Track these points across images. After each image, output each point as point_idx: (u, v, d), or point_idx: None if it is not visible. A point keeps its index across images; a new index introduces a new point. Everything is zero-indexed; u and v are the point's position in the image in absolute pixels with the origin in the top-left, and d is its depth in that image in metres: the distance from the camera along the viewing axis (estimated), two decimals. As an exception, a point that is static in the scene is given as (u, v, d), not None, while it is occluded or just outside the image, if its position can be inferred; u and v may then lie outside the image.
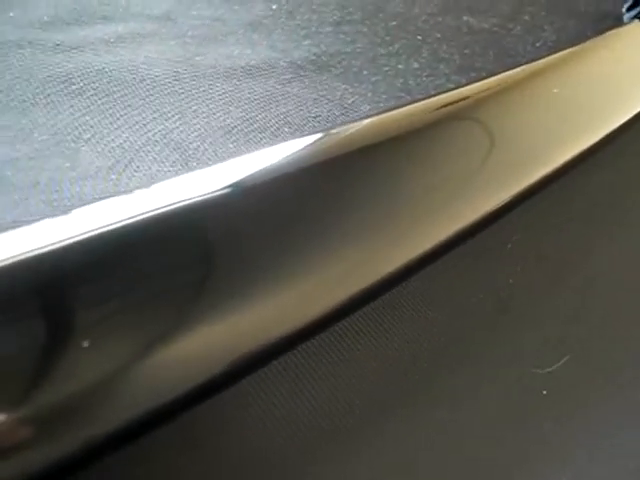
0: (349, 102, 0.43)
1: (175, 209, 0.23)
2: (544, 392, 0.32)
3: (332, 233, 0.24)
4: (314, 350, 0.27)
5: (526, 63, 0.48)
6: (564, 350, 0.34)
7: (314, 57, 0.47)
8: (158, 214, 0.22)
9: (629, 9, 0.62)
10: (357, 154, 0.29)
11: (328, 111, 0.42)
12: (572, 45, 0.51)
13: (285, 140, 0.38)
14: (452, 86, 0.49)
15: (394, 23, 0.54)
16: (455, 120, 0.34)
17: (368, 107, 0.43)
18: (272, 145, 0.33)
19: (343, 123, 0.38)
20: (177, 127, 0.37)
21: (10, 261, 0.19)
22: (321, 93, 0.44)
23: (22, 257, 0.19)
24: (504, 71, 0.44)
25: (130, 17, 0.44)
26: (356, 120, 0.33)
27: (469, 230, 0.29)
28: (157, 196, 0.24)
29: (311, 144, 0.29)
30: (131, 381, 0.19)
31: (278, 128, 0.39)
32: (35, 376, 0.18)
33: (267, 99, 0.41)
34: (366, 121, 0.33)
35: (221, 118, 0.39)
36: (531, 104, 0.38)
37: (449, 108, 0.36)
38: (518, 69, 0.44)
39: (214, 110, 0.39)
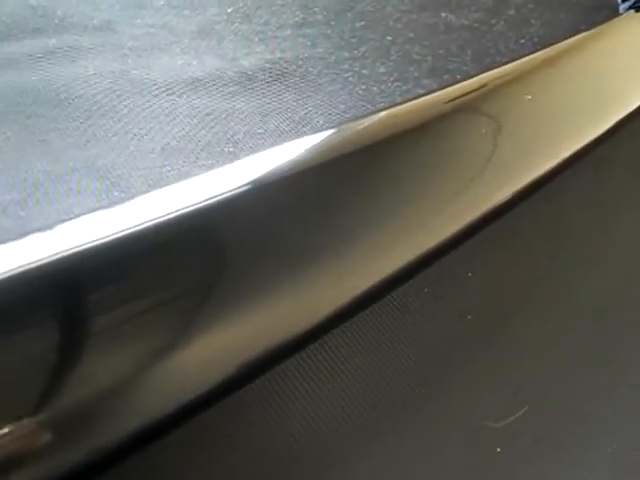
0: (300, 115, 0.40)
1: (180, 215, 0.22)
2: (498, 449, 0.28)
3: (338, 236, 0.24)
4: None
5: (506, 63, 0.44)
6: (523, 399, 0.30)
7: (267, 65, 0.43)
8: (163, 221, 0.22)
9: (624, 0, 0.58)
10: (360, 154, 0.29)
11: (276, 127, 0.38)
12: (561, 39, 0.47)
13: (226, 161, 0.34)
14: (421, 92, 0.45)
15: (362, 23, 0.50)
16: (456, 115, 0.34)
17: (322, 120, 0.40)
18: (210, 167, 0.30)
19: (292, 139, 0.35)
20: (105, 152, 0.34)
21: (14, 271, 0.19)
22: (270, 106, 0.40)
23: (29, 266, 0.19)
24: (488, 69, 0.41)
25: (65, 29, 0.41)
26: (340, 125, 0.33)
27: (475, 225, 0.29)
28: (161, 202, 0.24)
29: (313, 145, 0.29)
30: (148, 385, 0.19)
31: (219, 147, 0.36)
32: (46, 383, 0.18)
33: (209, 115, 0.38)
34: (357, 126, 0.32)
35: (156, 139, 0.36)
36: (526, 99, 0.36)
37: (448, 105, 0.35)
38: (511, 64, 0.41)
39: (148, 130, 0.36)
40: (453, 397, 0.29)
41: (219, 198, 0.23)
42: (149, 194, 0.24)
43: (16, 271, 0.19)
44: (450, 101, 0.36)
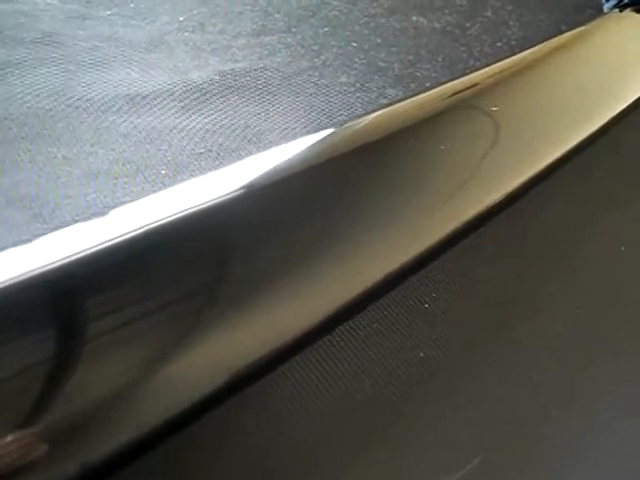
0: (253, 132, 0.37)
1: (177, 219, 0.22)
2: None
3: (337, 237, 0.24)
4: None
5: (479, 69, 0.41)
6: (477, 448, 0.27)
7: (219, 78, 0.40)
8: (158, 225, 0.22)
9: None
10: (357, 155, 0.28)
11: (220, 145, 0.36)
12: (541, 41, 0.44)
13: (160, 185, 0.32)
14: (385, 102, 0.42)
15: (326, 29, 0.48)
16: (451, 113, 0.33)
17: (275, 136, 0.37)
18: (141, 193, 0.28)
19: (236, 159, 0.32)
20: (29, 178, 0.32)
21: (9, 281, 0.19)
22: (219, 123, 0.37)
23: (22, 276, 0.19)
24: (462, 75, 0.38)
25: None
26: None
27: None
28: (154, 208, 0.23)
29: (308, 147, 0.29)
30: (152, 388, 0.19)
31: (153, 170, 0.33)
32: (42, 393, 0.18)
33: (148, 135, 0.35)
34: (354, 125, 0.32)
35: (86, 163, 0.33)
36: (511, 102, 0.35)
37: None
38: (492, 66, 0.39)
39: (79, 154, 0.33)
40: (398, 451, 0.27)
41: (216, 201, 0.23)
42: (144, 199, 0.24)
43: (10, 281, 0.19)
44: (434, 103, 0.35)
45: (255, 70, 0.42)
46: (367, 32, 0.48)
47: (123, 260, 0.21)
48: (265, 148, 0.36)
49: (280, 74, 0.42)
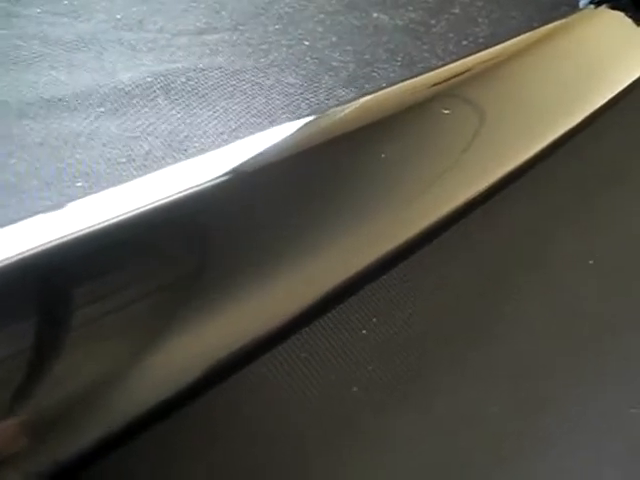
0: (180, 138, 0.34)
1: (157, 206, 0.22)
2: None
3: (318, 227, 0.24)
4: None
5: (440, 67, 0.38)
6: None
7: (152, 79, 0.37)
8: (144, 211, 0.21)
9: None
10: (338, 142, 0.28)
11: (144, 153, 0.32)
12: (508, 39, 0.41)
13: (74, 197, 0.29)
14: (334, 104, 0.39)
15: (276, 27, 0.45)
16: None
17: (206, 142, 0.34)
18: (53, 207, 0.26)
19: (161, 167, 0.29)
20: None
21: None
22: (145, 128, 0.34)
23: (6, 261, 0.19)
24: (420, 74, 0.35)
25: None
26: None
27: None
28: (133, 195, 0.23)
29: (294, 132, 0.28)
30: (136, 378, 0.19)
31: (67, 182, 0.30)
32: (24, 383, 0.18)
33: (65, 143, 0.32)
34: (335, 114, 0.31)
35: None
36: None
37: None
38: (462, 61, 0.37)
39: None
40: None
41: (193, 190, 0.23)
42: (120, 186, 0.23)
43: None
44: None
45: (193, 70, 0.39)
46: (322, 30, 0.45)
47: (99, 249, 0.20)
48: (192, 155, 0.32)
49: (220, 75, 0.39)
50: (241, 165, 0.25)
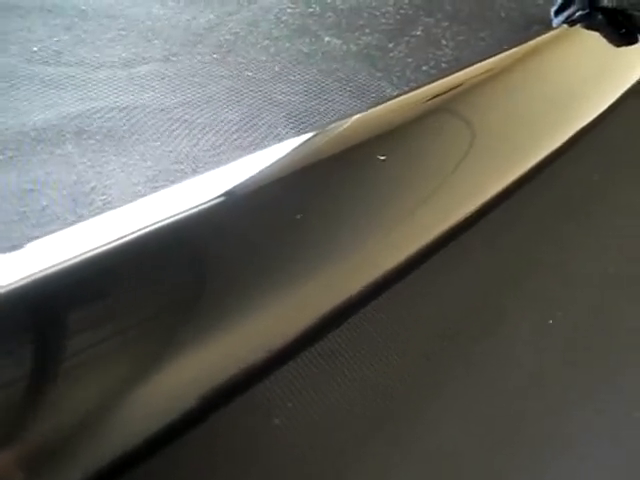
0: (85, 189, 0.30)
1: (152, 230, 0.21)
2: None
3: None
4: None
5: (388, 100, 0.34)
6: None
7: (62, 121, 0.33)
8: (133, 238, 0.21)
9: (557, 13, 0.48)
10: (331, 162, 0.28)
11: (42, 208, 0.28)
12: (476, 61, 0.38)
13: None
14: (273, 143, 0.35)
15: (215, 56, 0.40)
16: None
17: (110, 196, 0.30)
18: None
19: (63, 225, 0.25)
20: None
21: None
22: (43, 180, 0.30)
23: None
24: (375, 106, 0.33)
25: None
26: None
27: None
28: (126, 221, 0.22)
29: (283, 155, 0.28)
30: (135, 403, 0.19)
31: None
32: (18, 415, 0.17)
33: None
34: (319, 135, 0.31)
35: None
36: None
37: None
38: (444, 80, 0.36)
39: None
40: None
41: (192, 211, 0.22)
42: (114, 211, 0.23)
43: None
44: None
45: (113, 109, 0.35)
46: (265, 58, 0.41)
47: (93, 277, 0.20)
48: (97, 210, 0.28)
49: (144, 113, 0.35)
50: (234, 189, 0.24)
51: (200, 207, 0.23)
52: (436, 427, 0.27)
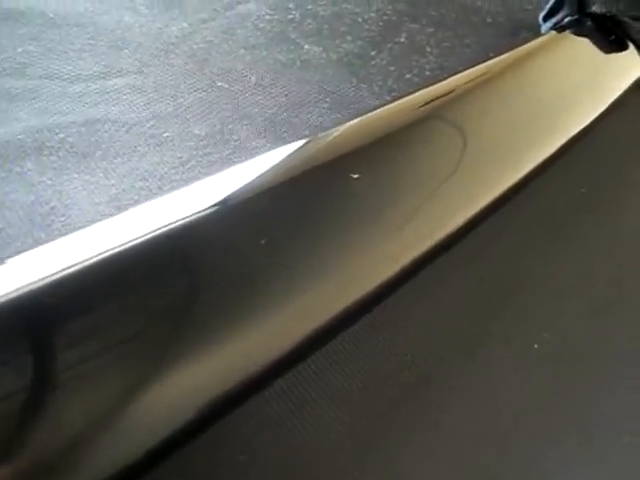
0: (42, 211, 0.28)
1: (144, 241, 0.21)
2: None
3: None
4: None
5: (371, 110, 0.33)
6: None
7: (23, 136, 0.32)
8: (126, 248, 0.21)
9: (545, 18, 0.47)
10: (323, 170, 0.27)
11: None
12: (462, 70, 0.37)
13: None
14: (245, 158, 0.33)
15: (188, 67, 0.39)
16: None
17: (70, 217, 0.28)
18: None
19: (17, 251, 0.24)
20: None
21: None
22: (2, 198, 0.29)
23: None
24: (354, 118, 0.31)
25: None
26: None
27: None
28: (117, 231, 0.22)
29: (277, 162, 0.27)
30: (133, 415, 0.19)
31: None
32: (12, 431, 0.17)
33: None
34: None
35: None
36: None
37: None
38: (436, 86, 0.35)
39: None
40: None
41: (184, 222, 0.22)
42: (105, 221, 0.22)
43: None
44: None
45: (78, 125, 0.33)
46: (241, 68, 0.39)
47: (86, 289, 0.20)
48: (56, 232, 0.27)
49: (110, 128, 0.34)
50: (225, 199, 0.24)
51: (193, 217, 0.22)
52: (417, 456, 0.27)
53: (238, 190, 0.24)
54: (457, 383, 0.28)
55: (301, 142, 0.29)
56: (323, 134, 0.29)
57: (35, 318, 0.19)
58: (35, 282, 0.19)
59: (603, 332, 0.33)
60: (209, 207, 0.23)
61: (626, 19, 0.43)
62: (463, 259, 0.33)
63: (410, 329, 0.30)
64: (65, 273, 0.19)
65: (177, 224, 0.22)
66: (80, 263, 0.20)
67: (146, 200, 0.25)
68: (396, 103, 0.34)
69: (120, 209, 0.24)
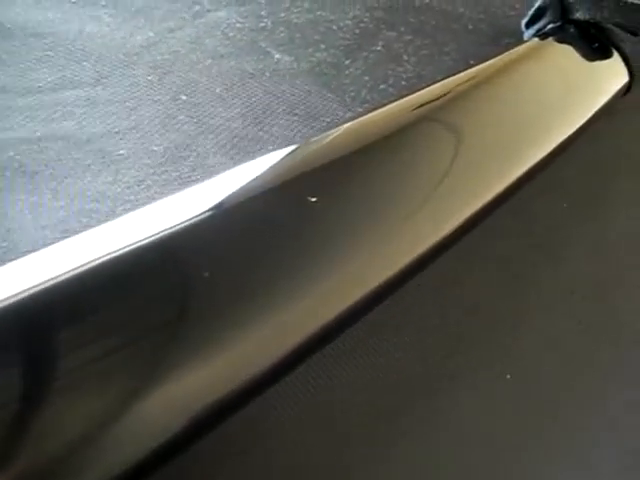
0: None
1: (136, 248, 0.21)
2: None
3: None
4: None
5: (337, 126, 0.32)
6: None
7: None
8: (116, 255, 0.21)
9: (528, 25, 0.45)
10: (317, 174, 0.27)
11: None
12: (439, 79, 0.36)
13: None
14: (203, 177, 0.32)
15: (150, 78, 0.37)
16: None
17: (11, 242, 0.27)
18: None
19: None
20: None
21: None
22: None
23: None
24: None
25: None
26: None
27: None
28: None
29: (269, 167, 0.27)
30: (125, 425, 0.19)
31: None
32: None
33: None
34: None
35: None
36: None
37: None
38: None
39: None
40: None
41: (175, 230, 0.22)
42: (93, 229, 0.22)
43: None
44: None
45: (28, 141, 0.32)
46: (206, 79, 0.38)
47: (77, 296, 0.19)
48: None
49: (61, 146, 0.32)
50: (217, 205, 0.24)
51: (184, 224, 0.22)
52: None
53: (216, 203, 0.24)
54: (415, 434, 0.27)
55: (301, 145, 0.28)
56: (328, 133, 0.29)
57: (18, 328, 0.19)
58: (27, 289, 0.19)
59: (571, 375, 0.32)
60: (199, 215, 0.23)
61: (610, 26, 0.42)
62: (431, 286, 0.31)
63: (376, 360, 0.29)
64: (54, 282, 0.19)
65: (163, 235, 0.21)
66: (69, 272, 0.19)
67: (96, 224, 0.24)
68: (371, 114, 0.33)
69: (67, 233, 0.23)
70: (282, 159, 0.27)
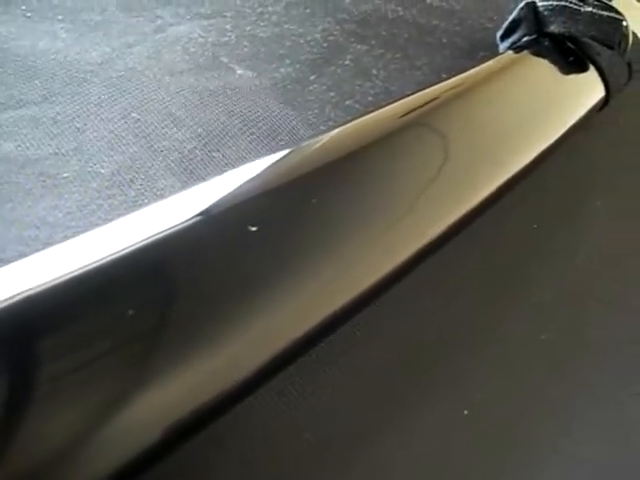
0: None
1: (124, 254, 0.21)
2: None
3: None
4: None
5: (297, 145, 0.30)
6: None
7: None
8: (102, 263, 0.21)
9: (502, 37, 0.44)
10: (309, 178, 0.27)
11: None
12: (409, 94, 0.35)
13: None
14: (151, 201, 0.30)
15: (102, 96, 0.36)
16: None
17: None
18: None
19: None
20: None
21: None
22: None
23: None
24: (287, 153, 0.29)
25: None
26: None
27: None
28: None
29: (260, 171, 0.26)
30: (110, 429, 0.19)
31: None
32: None
33: None
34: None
35: None
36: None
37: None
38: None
39: None
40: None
41: (160, 236, 0.22)
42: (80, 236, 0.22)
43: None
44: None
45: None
46: (162, 97, 0.36)
47: (63, 302, 0.19)
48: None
49: (6, 167, 0.30)
50: (201, 212, 0.23)
51: (171, 231, 0.22)
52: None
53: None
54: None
55: (294, 149, 0.28)
56: (319, 138, 0.28)
57: (2, 335, 0.18)
58: (13, 296, 0.19)
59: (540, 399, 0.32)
60: (187, 221, 0.23)
61: (586, 39, 0.40)
62: (393, 313, 0.30)
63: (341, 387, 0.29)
64: (37, 289, 0.19)
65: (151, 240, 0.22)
66: (60, 277, 0.20)
67: (33, 252, 0.22)
68: (339, 129, 0.32)
69: (2, 263, 0.21)
70: (270, 165, 0.27)
